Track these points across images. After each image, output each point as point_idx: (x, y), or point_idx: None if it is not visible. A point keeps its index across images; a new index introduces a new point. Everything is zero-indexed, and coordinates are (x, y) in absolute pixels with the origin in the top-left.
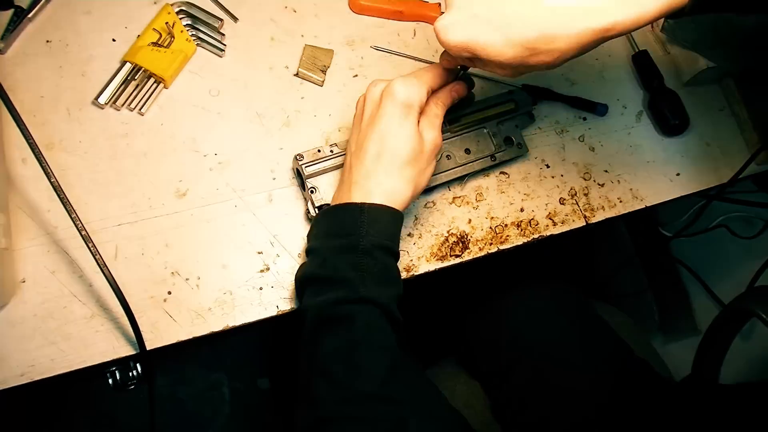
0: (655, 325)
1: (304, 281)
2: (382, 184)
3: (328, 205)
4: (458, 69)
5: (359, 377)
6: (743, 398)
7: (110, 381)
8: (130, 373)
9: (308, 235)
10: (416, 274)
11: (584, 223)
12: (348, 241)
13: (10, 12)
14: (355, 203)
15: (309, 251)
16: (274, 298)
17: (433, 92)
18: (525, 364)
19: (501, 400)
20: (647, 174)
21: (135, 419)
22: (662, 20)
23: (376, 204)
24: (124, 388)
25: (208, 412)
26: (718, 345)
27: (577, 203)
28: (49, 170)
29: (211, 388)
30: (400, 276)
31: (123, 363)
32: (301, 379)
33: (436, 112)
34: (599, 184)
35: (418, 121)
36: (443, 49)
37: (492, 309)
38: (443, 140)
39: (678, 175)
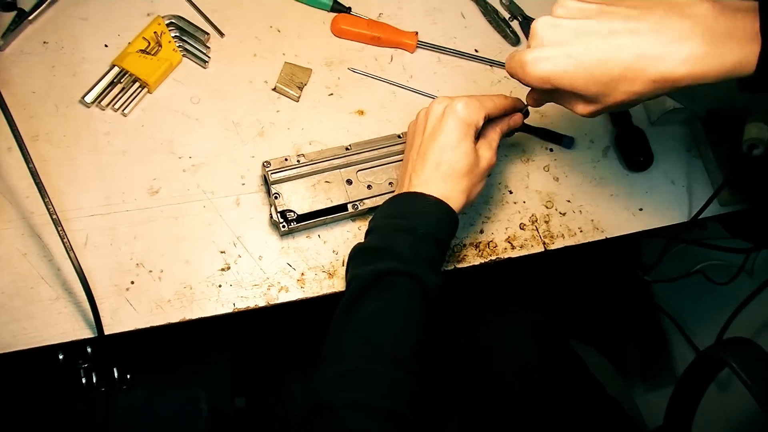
0: (637, 374)
1: (358, 251)
2: (440, 191)
3: (291, 211)
4: (522, 106)
5: (391, 341)
6: None
7: (83, 380)
8: (106, 377)
9: (372, 218)
10: None
11: (543, 249)
12: (409, 224)
13: (12, 13)
14: (424, 194)
15: (369, 230)
16: (232, 296)
17: (491, 119)
18: (493, 388)
19: (467, 421)
20: (610, 207)
21: (114, 425)
22: None
23: (442, 201)
24: (96, 389)
25: (184, 427)
26: (690, 394)
27: (537, 229)
28: (28, 156)
29: (189, 403)
30: (442, 272)
31: (99, 366)
32: (331, 339)
33: (494, 136)
34: (561, 213)
35: (477, 140)
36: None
37: (466, 330)
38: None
39: (641, 210)
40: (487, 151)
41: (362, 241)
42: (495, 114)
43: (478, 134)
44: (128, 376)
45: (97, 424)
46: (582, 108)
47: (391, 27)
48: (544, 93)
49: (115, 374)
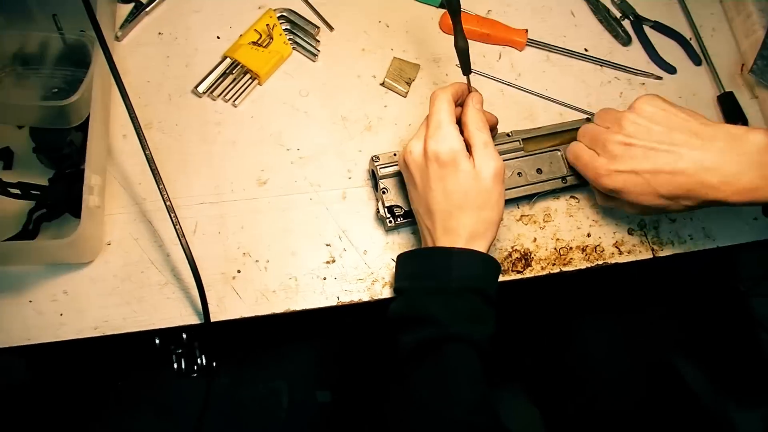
0: (731, 390)
1: (394, 321)
2: (462, 235)
3: (398, 207)
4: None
5: (448, 403)
6: None
7: (175, 365)
8: (195, 364)
9: (395, 274)
10: None
11: (651, 256)
12: (437, 284)
13: (130, 5)
14: (447, 248)
15: (397, 291)
16: (336, 289)
17: (464, 120)
18: (585, 395)
19: (556, 422)
20: (723, 215)
21: (193, 412)
22: (751, 61)
23: (467, 249)
24: (187, 375)
25: (264, 418)
26: None
27: (645, 235)
28: (145, 143)
29: (270, 394)
30: (493, 317)
31: (189, 352)
32: (395, 417)
33: (484, 139)
34: (671, 220)
35: (472, 155)
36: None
37: (562, 334)
38: (517, 158)
39: (755, 219)
40: (488, 163)
41: (393, 303)
42: (455, 114)
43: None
44: (214, 364)
45: (183, 410)
46: (632, 210)
47: (501, 24)
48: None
49: (204, 362)
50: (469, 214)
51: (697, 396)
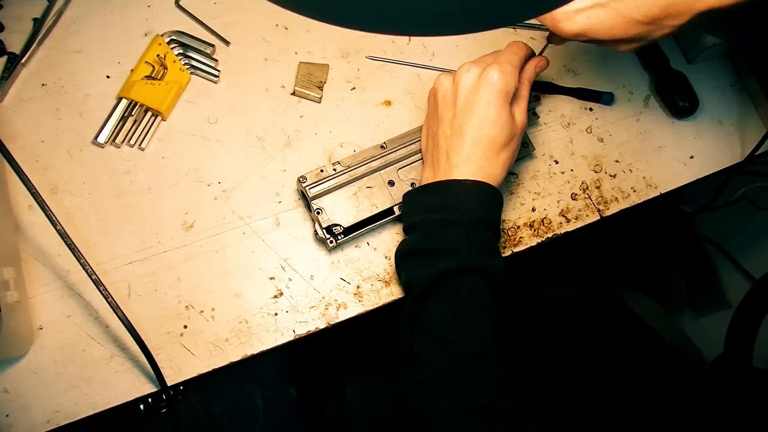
0: (684, 302)
1: (406, 254)
2: (483, 168)
3: (337, 225)
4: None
5: (466, 337)
6: None
7: (141, 407)
8: (160, 401)
9: (404, 213)
10: None
11: (598, 217)
12: (453, 216)
13: (3, 59)
14: (458, 180)
15: (410, 227)
16: (290, 322)
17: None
18: (551, 364)
19: (528, 393)
20: (660, 160)
21: None
22: None
23: (478, 181)
24: (156, 411)
25: (243, 425)
26: (749, 322)
27: (589, 197)
28: (53, 218)
29: (244, 400)
30: (500, 251)
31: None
32: (402, 348)
33: (524, 94)
34: (611, 176)
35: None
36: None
37: (515, 310)
38: None
39: (692, 158)
40: (520, 114)
41: (405, 239)
42: (524, 63)
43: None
44: (181, 387)
45: None
46: (624, 47)
47: None
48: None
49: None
50: (495, 152)
51: (655, 332)
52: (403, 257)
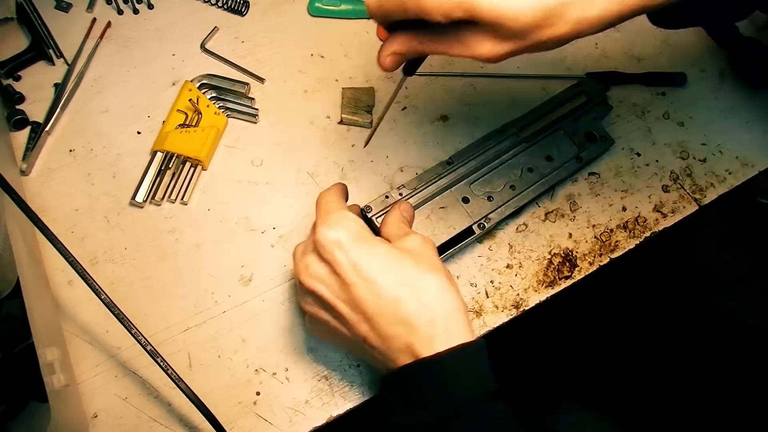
0: None
1: None
2: (428, 332)
3: None
4: (407, 70)
5: None
6: None
7: None
8: None
9: (384, 405)
10: (527, 308)
11: (696, 207)
12: (442, 410)
13: (27, 130)
14: (422, 359)
15: (397, 428)
16: (376, 372)
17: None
18: (656, 385)
19: (636, 426)
20: (750, 136)
21: None
22: None
23: (445, 351)
24: None
25: None
26: None
27: (682, 186)
28: (97, 287)
29: None
30: (510, 414)
31: None
32: None
33: (397, 225)
34: (700, 161)
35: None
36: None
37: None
38: (521, 153)
39: None
40: (411, 238)
41: None
42: (343, 201)
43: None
44: None
45: None
46: (489, 48)
47: None
48: (426, 32)
49: None
50: (417, 288)
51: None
52: None
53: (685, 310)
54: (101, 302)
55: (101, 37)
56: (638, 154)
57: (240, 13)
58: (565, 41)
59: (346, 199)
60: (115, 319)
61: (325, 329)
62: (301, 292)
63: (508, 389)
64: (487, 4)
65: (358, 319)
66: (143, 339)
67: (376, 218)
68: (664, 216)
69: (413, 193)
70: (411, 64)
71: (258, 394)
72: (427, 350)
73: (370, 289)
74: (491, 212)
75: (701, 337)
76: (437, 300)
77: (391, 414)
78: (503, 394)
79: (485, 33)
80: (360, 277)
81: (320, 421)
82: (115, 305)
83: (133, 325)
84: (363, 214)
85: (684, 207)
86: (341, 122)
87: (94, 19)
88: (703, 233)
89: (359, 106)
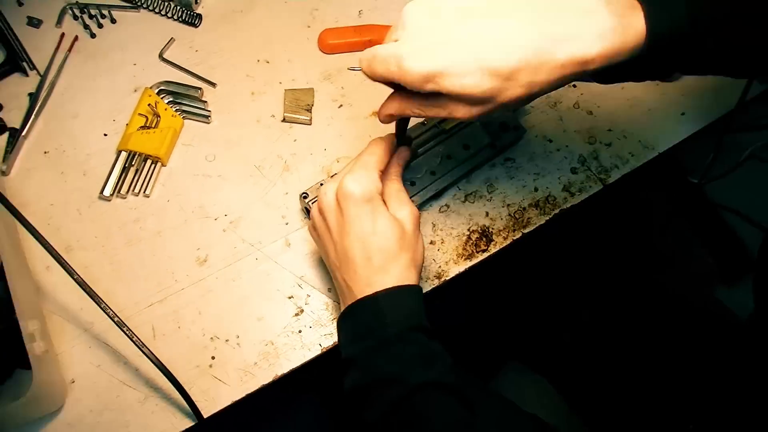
0: (716, 278)
1: (353, 397)
2: (386, 282)
3: None
4: (398, 133)
5: None
6: None
7: None
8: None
9: (339, 343)
10: (448, 278)
11: (601, 186)
12: (377, 338)
13: (5, 135)
14: (367, 296)
15: (345, 362)
16: (315, 337)
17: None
18: (586, 345)
19: (570, 387)
20: (652, 122)
21: None
22: None
23: (390, 289)
24: None
25: None
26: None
27: (589, 168)
28: (71, 269)
29: None
30: (441, 347)
31: None
32: None
33: (397, 187)
34: (606, 145)
35: (387, 206)
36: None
37: (531, 296)
38: (441, 143)
39: (683, 114)
40: (402, 210)
41: (346, 378)
42: (384, 164)
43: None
44: None
45: None
46: (464, 111)
47: (380, 26)
48: (414, 98)
49: None
50: (390, 261)
51: (686, 298)
52: (350, 395)
53: (626, 283)
54: (75, 282)
55: (69, 50)
56: (550, 141)
57: (194, 25)
58: (525, 100)
59: (391, 155)
60: (88, 297)
61: (320, 245)
62: (314, 206)
63: (453, 355)
64: (450, 83)
65: (340, 259)
66: (111, 312)
67: (312, 203)
68: (572, 195)
69: None
70: (401, 123)
71: (213, 358)
72: (369, 292)
73: (355, 243)
74: (414, 195)
75: (637, 308)
76: (399, 272)
77: (341, 348)
78: (434, 332)
79: (458, 101)
80: (353, 230)
81: (267, 380)
82: (87, 284)
83: (102, 300)
84: (301, 198)
85: (590, 186)
86: (284, 120)
87: (63, 34)
88: (647, 213)
89: (300, 106)
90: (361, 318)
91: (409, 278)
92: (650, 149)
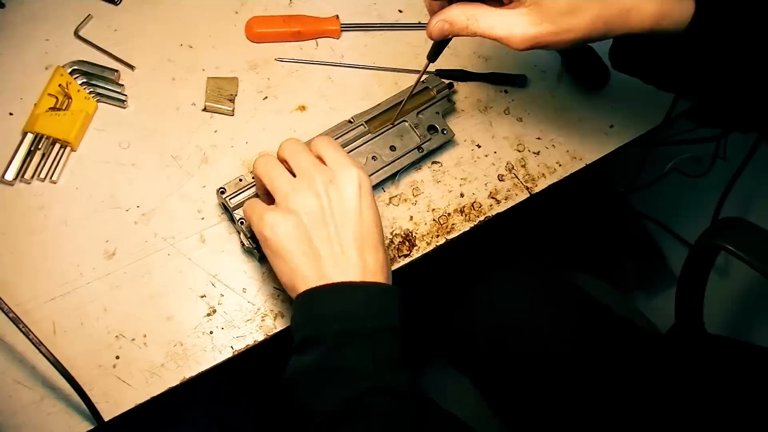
0: (634, 283)
1: (305, 373)
2: (377, 269)
3: None
4: (434, 51)
5: None
6: (729, 349)
7: None
8: None
9: (293, 324)
10: None
11: (528, 195)
12: (352, 326)
13: None
14: (357, 282)
15: (304, 341)
16: (227, 339)
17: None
18: (505, 347)
19: (490, 390)
20: (581, 133)
21: None
22: None
23: (379, 282)
24: None
25: None
26: (694, 287)
27: (516, 176)
28: None
29: None
30: (408, 355)
31: None
32: None
33: (333, 144)
34: (534, 153)
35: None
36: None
37: (466, 298)
38: (366, 142)
39: (612, 126)
40: (344, 169)
41: (300, 356)
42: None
43: None
44: None
45: None
46: (522, 29)
47: (310, 17)
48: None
49: None
50: (380, 246)
51: (606, 306)
52: (301, 377)
53: (549, 287)
54: None
55: None
56: (478, 146)
57: (114, 2)
58: (582, 39)
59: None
60: None
61: (284, 238)
62: (285, 197)
63: None
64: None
65: (332, 233)
66: (5, 306)
67: (230, 199)
68: (498, 202)
69: None
70: (436, 50)
71: (117, 358)
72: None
73: (373, 228)
74: None
75: (561, 313)
76: (377, 264)
77: (297, 329)
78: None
79: (525, 14)
80: (362, 215)
81: (175, 382)
82: None
83: None
84: (219, 194)
85: (516, 194)
86: (205, 109)
87: None
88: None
89: (223, 95)
90: (339, 302)
91: (388, 274)
92: (578, 160)
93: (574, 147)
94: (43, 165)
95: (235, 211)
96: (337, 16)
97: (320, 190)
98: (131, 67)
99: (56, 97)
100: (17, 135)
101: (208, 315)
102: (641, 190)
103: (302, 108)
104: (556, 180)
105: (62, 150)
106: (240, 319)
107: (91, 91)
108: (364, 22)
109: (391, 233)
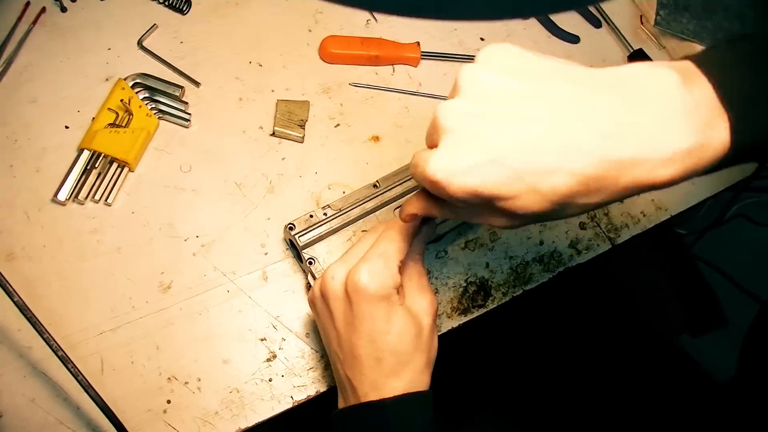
0: (681, 326)
1: None
2: (396, 388)
3: None
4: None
5: None
6: None
7: None
8: None
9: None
10: (440, 334)
11: (610, 246)
12: None
13: None
14: (373, 402)
15: None
16: (287, 388)
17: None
18: (560, 399)
19: None
20: None
21: None
22: (654, 13)
23: (396, 397)
24: None
25: None
26: (761, 342)
27: (598, 225)
28: (9, 288)
29: None
30: None
31: None
32: None
33: (419, 270)
34: (618, 202)
35: (403, 294)
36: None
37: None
38: None
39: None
40: (422, 300)
41: None
42: (405, 255)
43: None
44: None
45: None
46: (503, 223)
47: (389, 42)
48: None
49: None
50: (403, 364)
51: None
52: None
53: (602, 327)
54: (12, 302)
55: (34, 22)
56: None
57: (181, 12)
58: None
59: (412, 241)
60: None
61: (320, 327)
62: (316, 284)
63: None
64: (499, 204)
65: (344, 353)
66: (54, 344)
67: (299, 236)
68: (579, 252)
69: (338, 214)
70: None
71: (169, 402)
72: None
73: (364, 342)
74: None
75: (617, 352)
76: (411, 376)
77: None
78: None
79: (501, 215)
80: (363, 328)
81: None
82: (28, 308)
83: (45, 329)
84: (287, 230)
85: (598, 245)
86: (273, 134)
87: (28, 3)
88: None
89: (293, 120)
90: (362, 424)
91: (421, 382)
92: (663, 210)
93: (659, 196)
94: (99, 185)
95: (304, 251)
96: (418, 43)
97: None
98: (196, 83)
99: (116, 113)
100: (72, 151)
101: (268, 360)
102: (704, 232)
103: (376, 138)
104: (639, 231)
105: (119, 170)
106: (302, 366)
107: (153, 108)
108: (444, 52)
109: (466, 281)
